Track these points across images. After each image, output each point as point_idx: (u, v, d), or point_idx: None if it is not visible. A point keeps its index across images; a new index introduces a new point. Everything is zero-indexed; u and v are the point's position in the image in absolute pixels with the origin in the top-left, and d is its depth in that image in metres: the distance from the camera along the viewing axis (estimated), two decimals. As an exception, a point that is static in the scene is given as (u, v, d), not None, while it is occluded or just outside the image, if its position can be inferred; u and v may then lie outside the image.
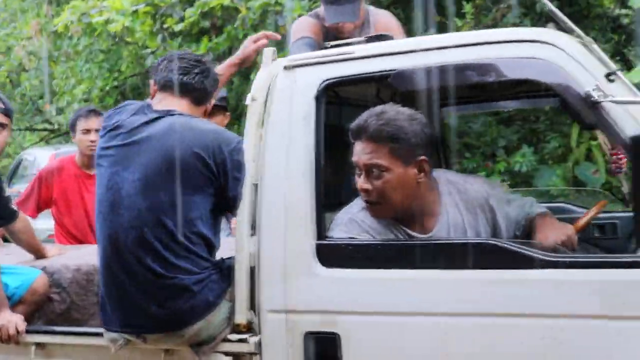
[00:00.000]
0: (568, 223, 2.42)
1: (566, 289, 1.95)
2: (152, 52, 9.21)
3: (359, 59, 2.31)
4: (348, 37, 3.18)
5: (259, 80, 2.43)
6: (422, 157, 2.24)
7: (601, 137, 4.56)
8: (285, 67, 2.41)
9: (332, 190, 2.59)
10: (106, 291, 2.49)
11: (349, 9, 3.44)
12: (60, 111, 15.05)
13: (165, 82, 2.58)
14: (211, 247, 2.44)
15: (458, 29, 8.39)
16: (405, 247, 2.32)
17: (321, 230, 2.28)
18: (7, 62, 13.74)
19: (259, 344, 2.31)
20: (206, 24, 8.21)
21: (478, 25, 8.70)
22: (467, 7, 8.94)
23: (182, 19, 8.09)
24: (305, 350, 2.22)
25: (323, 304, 2.22)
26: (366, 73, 2.32)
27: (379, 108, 2.34)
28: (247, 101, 2.43)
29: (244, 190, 2.35)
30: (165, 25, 8.28)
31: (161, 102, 2.59)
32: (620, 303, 1.90)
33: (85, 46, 11.07)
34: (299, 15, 5.87)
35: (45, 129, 17.43)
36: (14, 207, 3.41)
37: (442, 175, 2.55)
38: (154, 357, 2.47)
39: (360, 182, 2.30)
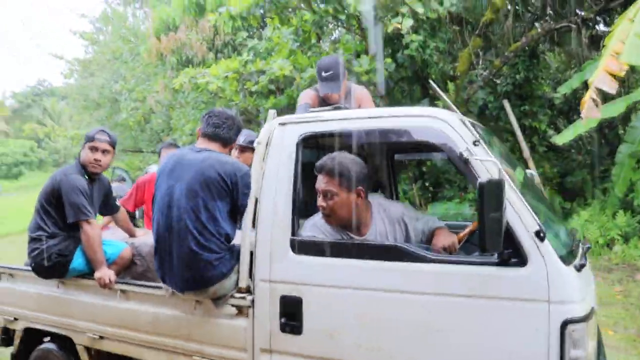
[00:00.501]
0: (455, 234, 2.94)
1: (439, 276, 2.49)
2: (236, 104, 11.23)
3: (323, 121, 2.98)
4: (335, 103, 4.08)
5: (264, 131, 3.08)
6: (360, 187, 2.88)
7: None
8: (280, 123, 3.06)
9: (303, 205, 3.06)
10: (159, 260, 3.18)
11: (334, 85, 4.19)
12: (175, 141, 18.72)
13: (205, 132, 3.33)
14: (228, 236, 3.07)
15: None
16: (346, 244, 2.87)
17: (294, 230, 2.88)
18: (142, 107, 16.64)
19: (252, 301, 2.96)
20: (272, 87, 10.19)
21: (457, 98, 11.50)
22: (450, 86, 11.77)
23: (256, 83, 9.97)
24: (280, 306, 2.84)
25: (292, 278, 2.83)
26: (328, 130, 2.96)
27: (333, 154, 2.96)
28: (255, 144, 3.15)
29: (249, 202, 3.00)
30: (245, 87, 10.35)
31: (202, 143, 3.33)
32: (469, 286, 2.40)
33: (193, 98, 13.52)
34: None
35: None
36: (118, 203, 4.42)
37: (375, 199, 3.16)
38: (189, 304, 3.19)
39: (319, 201, 2.93)
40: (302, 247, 2.83)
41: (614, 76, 5.64)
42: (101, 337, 3.56)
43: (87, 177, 3.85)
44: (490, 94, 10.80)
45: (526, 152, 8.82)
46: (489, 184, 2.22)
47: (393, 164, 4.60)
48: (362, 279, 2.66)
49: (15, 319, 4.02)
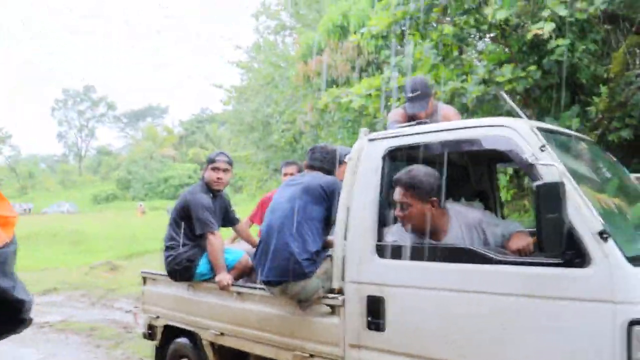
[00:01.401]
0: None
1: (504, 276, 2.62)
2: (380, 120, 13.23)
3: (406, 136, 3.26)
4: (421, 122, 4.01)
5: (356, 146, 3.45)
6: (433, 198, 3.09)
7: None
8: (369, 140, 3.42)
9: (387, 213, 3.33)
10: (258, 255, 3.66)
11: (420, 104, 4.50)
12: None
13: (310, 164, 3.91)
14: (321, 240, 3.45)
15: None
16: (422, 248, 3.06)
17: (380, 236, 3.18)
18: (292, 128, 17.86)
19: (343, 301, 3.26)
20: None
21: (612, 102, 10.75)
22: (603, 89, 11.07)
23: (398, 99, 9.95)
24: (367, 305, 3.10)
25: (376, 279, 3.11)
26: (410, 143, 3.24)
27: (410, 167, 3.19)
28: (346, 159, 3.51)
29: (341, 211, 3.35)
30: (389, 103, 10.47)
31: (307, 171, 3.97)
32: (533, 286, 2.50)
33: (339, 118, 14.08)
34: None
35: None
36: (238, 216, 5.01)
37: (454, 207, 3.33)
38: (292, 305, 3.52)
39: (397, 211, 3.18)
40: (385, 251, 3.12)
41: None
42: (222, 334, 4.09)
43: (210, 194, 4.51)
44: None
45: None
46: (546, 186, 2.33)
47: (490, 172, 4.69)
48: (436, 279, 2.90)
49: (158, 317, 4.74)
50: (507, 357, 2.59)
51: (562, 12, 7.53)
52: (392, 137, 3.34)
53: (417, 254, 3.02)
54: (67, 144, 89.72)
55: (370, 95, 10.58)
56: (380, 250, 3.13)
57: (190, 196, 4.46)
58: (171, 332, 4.66)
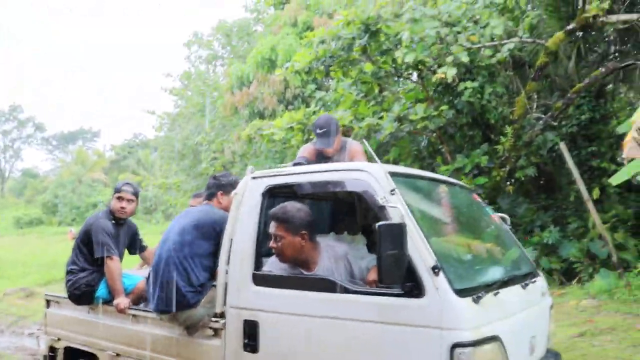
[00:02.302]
0: None
1: (357, 304, 2.85)
2: None
3: (282, 175, 3.47)
4: (331, 156, 4.67)
5: (241, 183, 3.61)
6: (303, 232, 3.25)
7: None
8: (253, 177, 3.57)
9: (264, 246, 3.42)
10: (149, 284, 3.72)
11: (327, 140, 4.62)
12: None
13: (205, 193, 4.09)
14: (206, 274, 3.61)
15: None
16: (291, 278, 3.28)
17: (257, 266, 3.35)
18: (221, 157, 17.74)
19: (224, 324, 3.41)
20: None
21: (516, 142, 11.42)
22: (509, 130, 11.74)
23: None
24: (244, 328, 3.28)
25: (253, 305, 3.28)
26: (285, 182, 3.43)
27: (284, 203, 3.37)
28: (232, 194, 3.64)
29: (224, 242, 3.48)
30: (310, 137, 10.46)
31: (201, 201, 4.16)
32: (379, 313, 2.75)
33: (266, 149, 14.45)
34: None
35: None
36: (145, 244, 5.05)
37: (323, 240, 3.48)
38: (179, 327, 3.68)
39: (271, 243, 3.31)
40: (261, 279, 3.31)
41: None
42: (118, 355, 4.15)
43: (114, 222, 4.59)
44: (556, 136, 10.61)
45: (585, 195, 8.70)
46: (386, 226, 2.62)
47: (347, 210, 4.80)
48: (302, 307, 3.10)
49: (59, 339, 4.74)
50: None
51: (464, 58, 8.04)
52: (272, 176, 3.54)
53: (286, 283, 3.25)
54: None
55: (292, 128, 10.69)
56: (256, 279, 3.33)
57: (93, 221, 4.56)
58: (72, 354, 4.66)
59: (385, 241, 2.57)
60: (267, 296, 3.25)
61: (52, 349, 4.80)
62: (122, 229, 4.72)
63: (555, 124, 9.98)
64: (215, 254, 3.61)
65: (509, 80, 10.62)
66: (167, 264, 3.57)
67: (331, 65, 10.72)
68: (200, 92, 19.87)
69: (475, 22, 8.48)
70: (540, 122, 10.45)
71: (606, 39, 10.96)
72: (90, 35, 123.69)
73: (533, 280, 3.53)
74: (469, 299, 2.68)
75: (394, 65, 10.15)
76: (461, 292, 2.66)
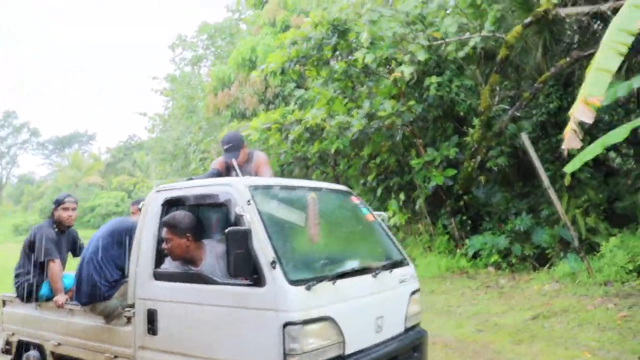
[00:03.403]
0: None
1: (221, 293, 3.50)
2: (285, 152, 12.53)
3: (176, 189, 4.09)
4: (240, 167, 5.03)
5: (148, 196, 4.23)
6: (188, 234, 3.83)
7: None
8: (157, 191, 4.18)
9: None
10: (75, 282, 4.53)
11: (233, 154, 5.09)
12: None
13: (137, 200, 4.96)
14: (119, 273, 4.35)
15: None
16: (183, 274, 3.87)
17: (157, 264, 3.95)
18: (210, 157, 17.37)
19: (134, 313, 4.02)
20: (307, 134, 11.44)
21: (485, 133, 11.82)
22: (476, 121, 12.15)
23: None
24: (147, 315, 3.89)
25: (153, 296, 3.90)
26: (178, 195, 4.02)
27: (175, 212, 3.99)
28: (140, 205, 4.24)
29: (134, 245, 4.10)
30: (289, 135, 11.42)
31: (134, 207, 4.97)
32: (235, 300, 3.44)
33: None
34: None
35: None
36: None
37: (208, 242, 4.01)
38: (102, 318, 4.37)
39: (163, 245, 3.91)
40: (159, 275, 3.95)
41: (592, 106, 5.99)
42: (59, 344, 4.82)
43: (57, 230, 5.30)
44: (516, 126, 11.01)
45: (546, 183, 9.07)
46: (233, 232, 3.27)
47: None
48: (185, 296, 3.75)
49: (13, 334, 5.40)
50: (226, 347, 3.49)
51: (421, 56, 8.42)
52: (170, 189, 4.17)
53: (176, 278, 3.89)
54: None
55: (269, 128, 11.05)
56: (156, 275, 3.95)
57: (37, 230, 5.25)
58: (23, 346, 5.29)
59: (233, 243, 3.25)
60: (163, 289, 3.90)
61: (8, 343, 5.48)
62: (64, 236, 5.45)
63: (518, 114, 10.29)
64: (126, 256, 4.27)
65: (479, 73, 10.99)
66: (87, 264, 4.37)
67: (305, 65, 11.14)
68: (184, 94, 20.23)
69: (431, 24, 8.83)
70: (509, 112, 10.85)
71: (570, 30, 11.30)
72: (89, 36, 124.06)
73: (392, 269, 4.16)
74: (301, 287, 3.30)
75: (365, 63, 10.52)
76: (295, 282, 3.29)
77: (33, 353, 5.14)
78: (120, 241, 4.42)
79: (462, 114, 11.02)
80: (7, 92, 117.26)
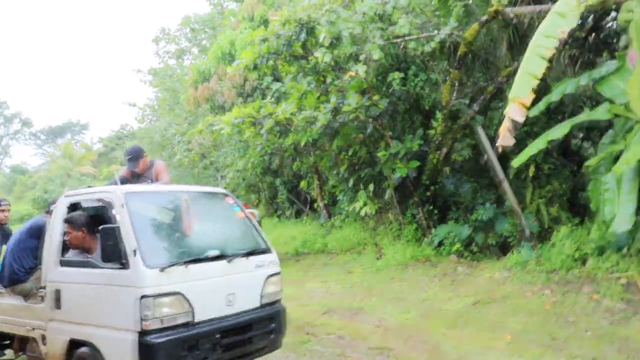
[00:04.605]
0: None
1: (100, 275, 4.63)
2: (260, 144, 13.39)
3: (76, 195, 5.31)
4: (141, 174, 6.29)
5: (59, 199, 5.39)
6: (83, 229, 4.97)
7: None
8: (65, 196, 5.33)
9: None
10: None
11: (134, 164, 6.26)
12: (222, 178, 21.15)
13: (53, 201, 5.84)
14: (33, 261, 5.38)
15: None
16: (78, 261, 5.00)
17: (62, 254, 5.06)
18: (194, 148, 18.93)
19: (45, 292, 5.08)
20: (277, 128, 11.90)
21: (447, 126, 12.24)
22: (439, 115, 12.57)
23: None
24: (54, 294, 4.95)
25: (58, 279, 4.98)
26: (77, 200, 5.22)
27: (74, 212, 5.15)
28: (52, 207, 5.41)
29: (46, 239, 5.21)
30: (262, 130, 11.90)
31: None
32: (108, 279, 4.54)
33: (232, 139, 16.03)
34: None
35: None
36: None
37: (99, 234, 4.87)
38: (21, 298, 5.43)
39: (65, 237, 5.06)
40: (63, 263, 5.06)
41: (524, 106, 6.52)
42: None
43: None
44: (474, 117, 11.34)
45: (500, 174, 9.56)
46: (105, 228, 4.46)
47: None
48: (78, 278, 4.88)
49: None
50: (106, 315, 4.55)
51: (376, 55, 8.89)
52: (74, 195, 5.35)
53: (74, 264, 5.00)
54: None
55: (243, 122, 11.51)
56: (61, 263, 5.06)
57: None
58: None
59: (105, 237, 4.46)
60: (66, 273, 5.01)
61: None
62: (0, 231, 6.62)
63: (476, 108, 10.74)
64: (40, 247, 5.36)
65: (442, 69, 11.45)
66: (9, 254, 5.47)
67: (277, 61, 11.60)
68: (167, 88, 20.69)
69: (392, 23, 9.29)
70: (474, 105, 11.33)
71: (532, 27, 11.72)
72: (76, 26, 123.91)
73: (249, 256, 5.18)
74: (156, 270, 4.36)
75: (334, 59, 10.96)
76: (151, 266, 4.36)
77: None
78: (36, 235, 5.48)
79: (427, 107, 11.49)
80: None
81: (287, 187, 19.19)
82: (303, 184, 16.98)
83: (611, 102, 8.21)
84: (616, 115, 8.22)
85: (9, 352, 6.01)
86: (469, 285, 8.53)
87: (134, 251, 4.35)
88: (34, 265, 5.40)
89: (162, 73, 23.37)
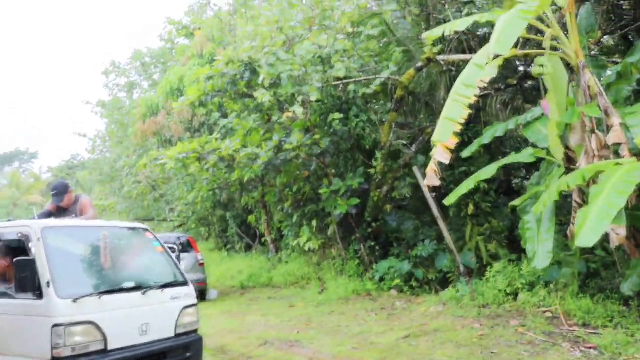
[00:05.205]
0: None
1: (16, 304, 4.82)
2: (206, 179, 13.52)
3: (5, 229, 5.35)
4: (67, 209, 6.45)
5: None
6: (6, 258, 5.08)
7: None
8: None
9: None
10: None
11: (59, 199, 6.42)
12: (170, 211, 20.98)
13: None
14: None
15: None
16: None
17: None
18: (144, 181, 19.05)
19: None
20: (221, 164, 12.12)
21: (385, 166, 12.68)
22: (379, 154, 13.07)
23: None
24: None
25: None
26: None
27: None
28: None
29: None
30: (207, 165, 12.05)
31: None
32: (25, 309, 4.72)
33: (178, 174, 15.87)
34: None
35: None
36: None
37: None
38: None
39: None
40: None
41: (448, 148, 6.90)
42: None
43: None
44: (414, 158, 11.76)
45: (435, 213, 9.94)
46: (19, 260, 4.60)
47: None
48: None
49: None
50: (21, 344, 4.74)
51: (314, 97, 9.24)
52: (6, 227, 5.43)
53: None
54: None
55: (187, 157, 11.67)
56: None
57: None
58: None
59: (19, 269, 4.60)
60: None
61: None
62: None
63: (414, 148, 11.15)
64: None
65: (382, 111, 11.89)
66: None
67: (223, 98, 11.86)
68: (116, 120, 20.70)
69: (331, 66, 9.69)
70: (414, 145, 11.77)
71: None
72: (32, 50, 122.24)
73: (164, 289, 5.41)
74: (69, 300, 4.57)
75: (278, 98, 11.29)
76: (64, 297, 4.56)
77: None
78: None
79: (368, 147, 11.88)
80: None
81: (236, 221, 19.26)
82: (251, 218, 17.09)
83: (534, 146, 8.74)
84: (542, 159, 8.71)
85: None
86: (404, 319, 8.79)
87: (47, 282, 4.56)
88: None
89: (112, 105, 23.31)
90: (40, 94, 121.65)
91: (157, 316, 5.23)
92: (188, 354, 5.42)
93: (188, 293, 5.68)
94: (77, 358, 4.52)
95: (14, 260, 4.61)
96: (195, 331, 5.67)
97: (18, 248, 5.12)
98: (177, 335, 5.38)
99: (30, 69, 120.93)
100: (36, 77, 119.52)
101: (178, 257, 6.12)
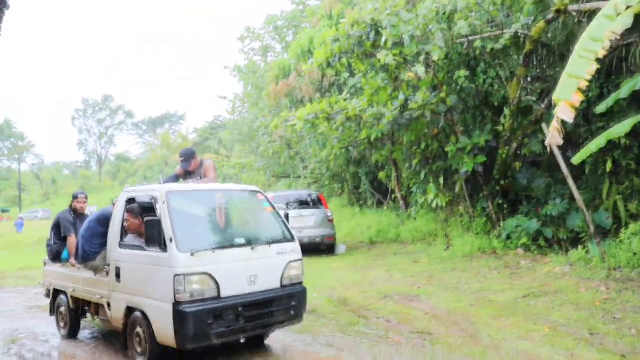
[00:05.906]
0: None
1: (147, 256, 5.69)
2: (336, 137, 14.06)
3: (132, 192, 6.38)
4: (193, 172, 7.24)
5: (120, 195, 6.43)
6: (139, 217, 5.94)
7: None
8: (125, 191, 6.44)
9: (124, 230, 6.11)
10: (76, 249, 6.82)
11: (186, 164, 7.21)
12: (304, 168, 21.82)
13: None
14: (101, 243, 6.35)
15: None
16: (129, 243, 5.97)
17: (121, 238, 6.08)
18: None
19: (110, 268, 6.16)
20: (348, 124, 12.73)
21: (515, 122, 12.35)
22: (507, 112, 12.68)
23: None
24: (116, 270, 6.06)
25: (118, 258, 6.06)
26: (133, 196, 6.24)
27: (131, 205, 6.17)
28: (114, 201, 6.46)
29: (111, 226, 6.27)
30: (335, 124, 12.62)
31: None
32: (154, 260, 5.53)
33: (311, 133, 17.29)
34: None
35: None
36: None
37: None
38: (91, 272, 6.59)
39: (125, 224, 6.11)
40: (122, 245, 6.04)
41: (572, 106, 6.71)
42: (74, 290, 6.99)
43: (74, 215, 7.55)
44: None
45: (565, 171, 9.66)
46: (148, 220, 5.52)
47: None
48: (133, 258, 5.84)
49: (50, 284, 7.69)
50: (151, 288, 5.53)
51: (436, 56, 9.26)
52: (130, 192, 6.38)
53: (130, 246, 5.95)
54: (88, 152, 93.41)
55: (316, 117, 12.21)
56: (120, 245, 6.05)
57: (61, 215, 7.49)
58: (56, 292, 7.56)
59: (148, 227, 5.47)
60: (123, 254, 5.99)
61: (47, 291, 7.83)
62: (79, 219, 7.49)
63: (547, 104, 10.79)
64: (106, 233, 6.35)
65: (517, 64, 11.55)
66: (82, 237, 6.53)
67: (351, 58, 12.19)
68: (251, 83, 21.73)
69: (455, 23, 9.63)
70: (546, 100, 11.40)
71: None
72: (179, 25, 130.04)
73: (271, 245, 6.00)
74: (187, 254, 5.28)
75: (404, 57, 11.40)
76: (183, 251, 5.28)
77: (62, 296, 7.39)
78: (103, 223, 6.48)
79: (496, 104, 11.69)
80: (104, 76, 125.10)
81: (368, 177, 19.69)
82: (382, 175, 17.45)
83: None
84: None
85: (89, 315, 7.11)
86: (526, 278, 8.78)
87: (170, 239, 5.28)
88: (100, 246, 6.43)
89: (247, 69, 24.50)
90: (185, 61, 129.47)
91: (264, 269, 5.85)
92: (293, 303, 6.04)
93: (294, 249, 6.24)
94: (195, 302, 5.24)
95: (145, 219, 5.54)
96: (300, 283, 6.27)
97: (149, 209, 5.93)
98: (283, 286, 6.00)
99: (172, 39, 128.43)
100: (179, 47, 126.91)
101: (287, 216, 6.75)
